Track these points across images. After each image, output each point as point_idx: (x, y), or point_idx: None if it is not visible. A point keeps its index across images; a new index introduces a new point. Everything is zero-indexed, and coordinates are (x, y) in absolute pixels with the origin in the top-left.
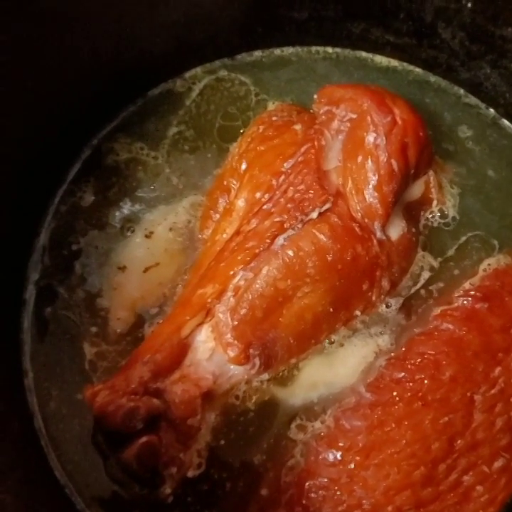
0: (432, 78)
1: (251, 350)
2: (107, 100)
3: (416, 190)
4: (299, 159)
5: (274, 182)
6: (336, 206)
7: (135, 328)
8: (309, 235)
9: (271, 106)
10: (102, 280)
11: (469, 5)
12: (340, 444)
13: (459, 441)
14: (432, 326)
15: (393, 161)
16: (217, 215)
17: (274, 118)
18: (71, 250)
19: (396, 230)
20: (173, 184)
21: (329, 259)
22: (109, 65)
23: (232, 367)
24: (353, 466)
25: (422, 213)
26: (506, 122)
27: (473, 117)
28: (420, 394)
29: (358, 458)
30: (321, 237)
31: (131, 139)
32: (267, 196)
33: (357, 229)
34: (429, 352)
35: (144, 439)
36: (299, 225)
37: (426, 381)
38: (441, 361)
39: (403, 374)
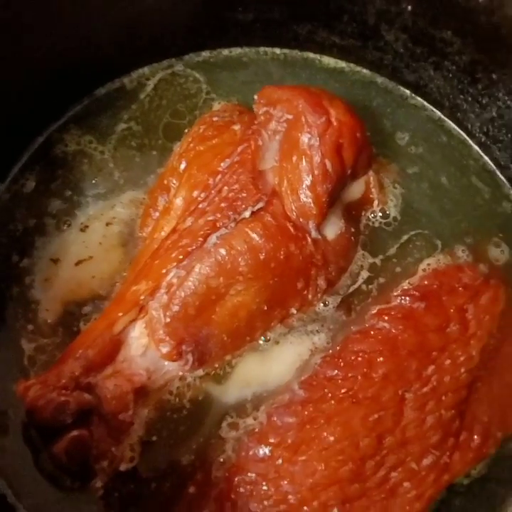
0: (379, 79)
1: (183, 347)
2: (52, 98)
3: (356, 190)
4: (235, 159)
5: (210, 181)
6: (270, 205)
7: (68, 321)
8: (242, 234)
9: (216, 106)
10: (35, 272)
11: (409, 8)
12: (271, 440)
13: (388, 439)
14: (368, 325)
15: (327, 162)
16: (157, 214)
17: (215, 118)
18: (9, 240)
19: (333, 229)
20: (115, 179)
21: (262, 257)
22: (53, 64)
23: (165, 363)
24: (281, 461)
25: (362, 213)
26: (451, 123)
27: (419, 118)
28: (351, 392)
29: (286, 454)
30: (254, 235)
31: (81, 131)
32: (203, 195)
33: (291, 228)
34: (363, 350)
35: (74, 433)
36: (232, 224)
37: (358, 379)
38: (374, 359)
39: (336, 372)
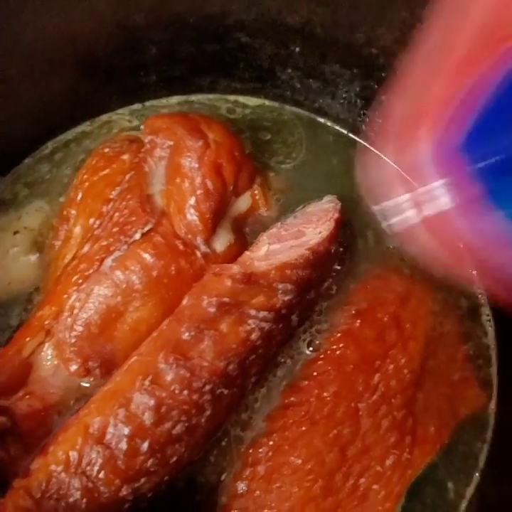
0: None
1: (90, 363)
2: None
3: (242, 204)
4: (125, 186)
5: (104, 209)
6: (159, 226)
7: None
8: (134, 255)
9: None
10: None
11: (297, 49)
12: (244, 475)
13: (350, 449)
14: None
15: (208, 181)
16: (59, 242)
17: (106, 150)
18: None
19: (222, 242)
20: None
21: (155, 274)
22: None
23: (76, 379)
24: (258, 493)
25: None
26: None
27: (321, 136)
28: (308, 415)
29: (261, 485)
30: (145, 255)
31: None
32: (98, 222)
33: (180, 245)
34: (313, 374)
35: None
36: (125, 247)
37: (312, 401)
38: (324, 380)
39: (292, 399)
